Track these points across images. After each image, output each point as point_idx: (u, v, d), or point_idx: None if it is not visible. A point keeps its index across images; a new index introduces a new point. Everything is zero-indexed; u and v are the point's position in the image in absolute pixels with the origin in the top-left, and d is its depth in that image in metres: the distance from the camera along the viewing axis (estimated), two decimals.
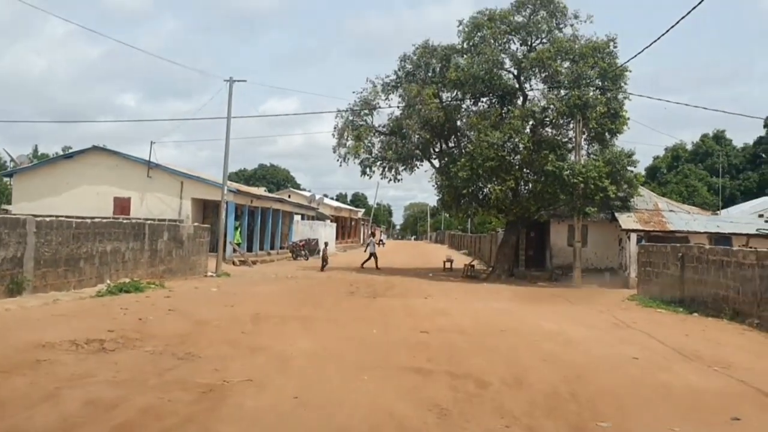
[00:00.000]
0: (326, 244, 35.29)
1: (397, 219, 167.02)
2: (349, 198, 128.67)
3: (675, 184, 69.01)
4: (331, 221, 55.09)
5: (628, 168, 28.07)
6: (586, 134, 29.14)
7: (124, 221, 21.35)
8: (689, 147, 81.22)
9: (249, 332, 10.93)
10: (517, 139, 27.74)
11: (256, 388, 6.99)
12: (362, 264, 35.02)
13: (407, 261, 44.16)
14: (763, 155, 75.14)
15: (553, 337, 11.43)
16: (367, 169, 31.92)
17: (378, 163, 32.17)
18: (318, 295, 18.46)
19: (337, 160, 31.65)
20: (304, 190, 76.85)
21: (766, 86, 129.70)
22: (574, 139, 29.62)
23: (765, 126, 76.12)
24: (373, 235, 46.58)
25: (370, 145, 31.94)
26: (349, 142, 31.57)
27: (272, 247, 41.05)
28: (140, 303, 14.39)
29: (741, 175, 75.25)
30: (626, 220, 28.53)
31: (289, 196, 56.08)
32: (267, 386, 7.12)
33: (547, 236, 32.42)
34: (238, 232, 35.61)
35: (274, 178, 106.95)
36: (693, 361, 9.56)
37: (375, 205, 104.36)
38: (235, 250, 33.81)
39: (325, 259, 32.39)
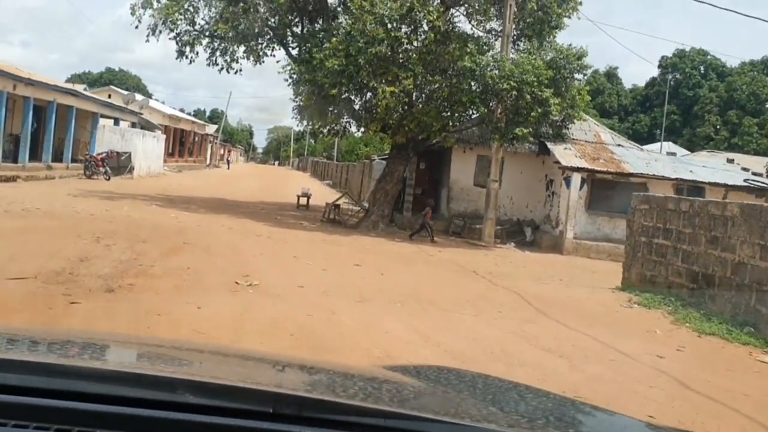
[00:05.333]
0: (429, 207, 19.71)
1: (260, 143, 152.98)
2: (207, 115, 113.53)
3: None
4: (163, 132, 42.81)
5: (575, 76, 18.98)
6: (518, 22, 19.65)
7: None
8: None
9: None
10: (421, 15, 17.55)
11: None
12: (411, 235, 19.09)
13: (256, 191, 33.51)
14: (654, 98, 70.07)
15: None
16: (187, 48, 20.62)
17: (205, 42, 20.99)
18: None
19: (136, 27, 19.84)
20: (157, 100, 62.71)
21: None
22: (494, 31, 20.27)
23: (659, 67, 71.02)
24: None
25: (192, 11, 20.56)
26: (161, 2, 20.10)
27: (60, 160, 28.93)
28: None
29: (630, 117, 70.10)
30: (565, 154, 19.54)
31: (110, 96, 43.17)
32: None
33: (445, 170, 22.91)
34: None
35: (123, 84, 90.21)
36: None
37: (225, 116, 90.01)
38: None
39: (425, 227, 18.82)
